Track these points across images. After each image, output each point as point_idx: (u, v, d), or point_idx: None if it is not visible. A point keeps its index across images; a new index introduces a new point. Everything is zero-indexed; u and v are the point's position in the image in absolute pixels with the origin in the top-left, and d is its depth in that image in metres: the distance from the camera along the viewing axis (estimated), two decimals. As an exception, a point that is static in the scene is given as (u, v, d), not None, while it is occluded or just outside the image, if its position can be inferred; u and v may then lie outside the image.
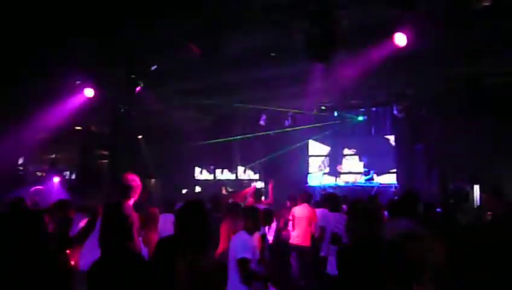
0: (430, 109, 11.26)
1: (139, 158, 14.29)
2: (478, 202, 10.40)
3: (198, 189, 16.27)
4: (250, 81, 9.58)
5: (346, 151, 14.78)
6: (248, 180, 16.09)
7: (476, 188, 10.68)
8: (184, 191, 14.99)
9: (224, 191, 14.37)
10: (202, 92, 10.59)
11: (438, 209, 7.22)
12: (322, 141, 15.12)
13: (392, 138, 13.91)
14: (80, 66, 8.48)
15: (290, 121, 13.03)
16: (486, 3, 5.65)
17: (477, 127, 10.25)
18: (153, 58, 8.34)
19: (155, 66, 8.46)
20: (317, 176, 15.10)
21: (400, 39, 6.58)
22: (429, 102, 11.09)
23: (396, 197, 9.99)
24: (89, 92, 9.26)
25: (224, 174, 16.61)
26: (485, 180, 10.23)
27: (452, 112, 10.54)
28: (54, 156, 14.10)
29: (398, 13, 6.04)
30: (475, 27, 6.48)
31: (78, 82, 9.23)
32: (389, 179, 13.63)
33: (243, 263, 4.35)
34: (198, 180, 16.92)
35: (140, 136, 15.09)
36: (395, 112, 10.97)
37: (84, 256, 4.75)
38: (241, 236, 4.63)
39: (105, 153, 14.98)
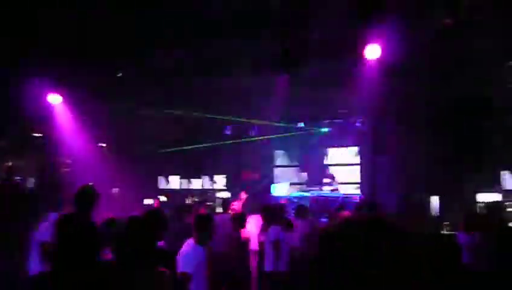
0: (392, 121, 11.55)
1: (103, 167, 13.97)
2: (438, 212, 10.73)
3: (163, 198, 16.04)
4: (217, 90, 9.59)
5: (309, 161, 14.94)
6: (213, 189, 16.03)
7: (436, 199, 11.02)
8: (148, 201, 14.75)
9: (190, 201, 14.21)
10: (170, 102, 10.52)
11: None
12: (288, 152, 15.25)
13: (355, 150, 14.16)
14: (45, 72, 8.27)
15: (256, 131, 13.09)
16: (449, 23, 5.90)
17: (437, 140, 10.58)
18: (120, 66, 8.24)
19: (120, 74, 8.35)
20: (283, 187, 15.16)
21: (371, 52, 6.72)
22: (391, 114, 11.37)
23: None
24: (53, 99, 9.03)
25: (191, 184, 16.51)
26: (444, 191, 10.58)
27: (413, 124, 10.85)
28: (10, 163, 13.59)
29: (366, 29, 6.22)
30: (438, 45, 6.74)
31: (41, 88, 8.99)
32: (353, 190, 13.84)
33: (182, 278, 4.02)
34: (164, 189, 16.70)
35: (103, 145, 14.77)
36: (358, 124, 11.21)
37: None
38: (187, 248, 4.30)
39: (67, 161, 14.56)
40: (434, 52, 7.13)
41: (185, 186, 16.56)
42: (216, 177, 16.19)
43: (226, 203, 8.30)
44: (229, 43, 7.05)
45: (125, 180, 14.36)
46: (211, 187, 16.25)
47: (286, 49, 6.11)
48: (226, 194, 14.94)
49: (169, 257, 4.10)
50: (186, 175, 16.52)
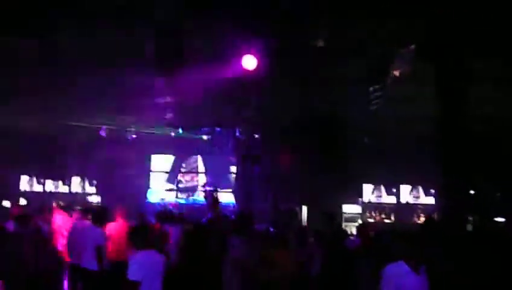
0: (266, 131, 11.96)
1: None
2: (306, 222, 11.32)
3: (23, 202, 14.54)
4: (90, 87, 8.97)
5: (187, 168, 14.85)
6: (83, 193, 15.00)
7: (305, 209, 11.63)
8: (5, 203, 13.28)
9: (54, 205, 13.11)
10: (36, 94, 9.55)
11: (271, 229, 7.58)
12: (165, 157, 14.95)
13: (233, 159, 14.39)
14: None
15: (132, 134, 12.59)
16: (321, 44, 6.27)
17: (306, 154, 11.21)
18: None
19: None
20: (158, 192, 14.80)
21: (248, 63, 6.79)
22: (266, 125, 11.77)
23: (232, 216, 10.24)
24: None
25: (55, 186, 15.16)
26: (312, 201, 11.22)
27: (284, 136, 11.36)
28: None
29: (248, 38, 6.31)
30: (309, 62, 7.12)
31: None
32: (228, 198, 14.01)
33: None
34: (24, 192, 15.11)
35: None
36: (237, 133, 11.41)
37: None
38: None
39: None
40: (304, 70, 7.52)
41: (49, 189, 15.19)
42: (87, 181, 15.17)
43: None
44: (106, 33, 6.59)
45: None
46: (79, 191, 15.16)
47: (164, 51, 5.92)
48: (96, 198, 14.13)
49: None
50: (51, 176, 15.14)
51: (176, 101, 9.64)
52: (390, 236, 5.36)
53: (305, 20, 5.85)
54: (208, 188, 14.20)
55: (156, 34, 6.08)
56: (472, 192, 9.55)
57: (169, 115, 10.80)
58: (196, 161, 14.87)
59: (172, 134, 13.40)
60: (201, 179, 14.75)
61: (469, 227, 8.28)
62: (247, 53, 6.56)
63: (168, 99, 9.17)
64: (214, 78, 7.48)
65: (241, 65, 6.69)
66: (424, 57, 6.53)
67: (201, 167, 14.82)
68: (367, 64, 6.98)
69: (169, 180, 15.03)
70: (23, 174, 15.20)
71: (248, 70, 6.67)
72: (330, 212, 7.60)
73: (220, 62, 6.97)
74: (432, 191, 12.93)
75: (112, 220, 7.48)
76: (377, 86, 7.40)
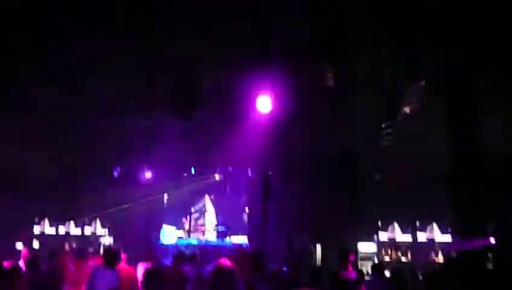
0: (278, 171, 11.96)
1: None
2: (319, 260, 11.13)
3: (36, 244, 14.54)
4: (107, 129, 9.14)
5: (199, 208, 14.79)
6: (95, 235, 14.93)
7: (319, 247, 11.45)
8: (18, 245, 13.27)
9: (67, 247, 13.07)
10: (52, 136, 9.75)
11: (285, 269, 7.46)
12: (179, 197, 14.92)
13: (245, 198, 14.33)
14: None
15: (146, 174, 12.66)
16: (331, 84, 6.40)
17: (319, 192, 11.14)
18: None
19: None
20: (171, 233, 14.70)
21: (263, 105, 6.90)
22: (278, 166, 11.79)
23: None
24: None
25: (68, 228, 15.14)
26: (326, 240, 11.06)
27: (297, 174, 11.34)
28: None
29: (261, 82, 6.46)
30: (321, 101, 7.23)
31: None
32: (241, 237, 13.87)
33: None
34: (37, 234, 15.09)
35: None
36: (249, 173, 11.43)
37: None
38: None
39: None
40: (316, 109, 7.61)
41: (62, 232, 15.14)
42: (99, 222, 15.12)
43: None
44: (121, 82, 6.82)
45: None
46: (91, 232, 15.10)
47: (179, 94, 6.06)
48: (108, 240, 14.06)
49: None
50: (64, 218, 15.12)
51: (189, 142, 9.75)
52: (409, 275, 5.25)
53: (316, 60, 6.00)
54: (220, 228, 14.11)
55: (173, 80, 6.26)
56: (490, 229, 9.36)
57: (182, 156, 10.89)
58: (209, 201, 14.82)
59: (185, 174, 13.45)
60: (214, 219, 14.66)
61: (489, 265, 8.08)
62: (261, 94, 6.67)
63: (182, 140, 9.27)
64: (227, 119, 7.60)
65: (256, 107, 6.80)
66: (435, 93, 6.60)
67: (213, 207, 14.76)
68: (378, 101, 7.06)
69: (181, 220, 14.95)
70: (36, 216, 15.24)
71: (262, 112, 6.77)
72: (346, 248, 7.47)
73: (234, 103, 7.10)
74: (449, 228, 12.69)
75: (125, 262, 7.43)
76: (388, 122, 7.45)
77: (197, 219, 14.85)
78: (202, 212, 14.84)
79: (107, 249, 9.96)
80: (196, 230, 14.67)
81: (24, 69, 6.55)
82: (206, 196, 14.79)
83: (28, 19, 5.53)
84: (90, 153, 10.91)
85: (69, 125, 8.77)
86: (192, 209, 14.92)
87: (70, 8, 5.28)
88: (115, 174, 12.70)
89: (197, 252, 10.63)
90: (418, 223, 13.18)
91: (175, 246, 13.84)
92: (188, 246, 13.73)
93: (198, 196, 14.78)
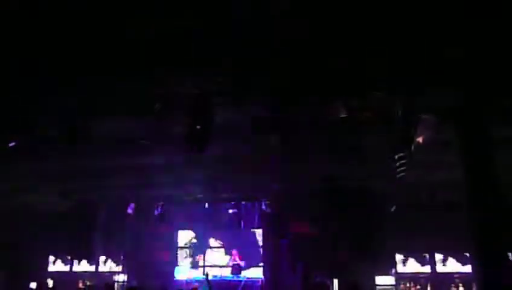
0: (295, 205, 11.90)
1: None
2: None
3: (50, 283, 14.45)
4: (119, 167, 9.23)
5: (213, 243, 14.64)
6: (109, 272, 14.82)
7: (336, 282, 11.24)
8: (32, 285, 13.22)
9: (81, 285, 12.98)
10: (63, 174, 9.85)
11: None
12: (192, 233, 14.83)
13: (259, 232, 14.17)
14: None
15: (159, 210, 12.65)
16: (343, 116, 6.42)
17: (335, 226, 11.05)
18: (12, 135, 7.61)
19: (13, 143, 7.71)
20: (185, 269, 14.54)
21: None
22: (294, 199, 11.74)
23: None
24: None
25: (82, 265, 15.04)
26: (343, 275, 10.86)
27: (314, 210, 11.27)
28: None
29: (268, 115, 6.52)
30: (334, 135, 7.24)
31: None
32: (256, 272, 13.65)
33: None
34: (51, 272, 15.03)
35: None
36: (263, 206, 11.36)
37: None
38: None
39: None
40: (329, 141, 7.62)
41: (75, 269, 15.05)
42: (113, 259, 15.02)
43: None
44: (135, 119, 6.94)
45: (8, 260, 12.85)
46: (105, 270, 14.98)
47: (199, 130, 6.14)
48: (122, 277, 13.93)
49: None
50: (77, 255, 15.03)
51: (202, 176, 9.78)
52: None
53: (326, 95, 6.06)
54: (235, 263, 13.92)
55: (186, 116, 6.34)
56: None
57: (196, 190, 10.91)
58: (223, 236, 14.68)
59: (200, 208, 13.45)
60: (227, 254, 14.48)
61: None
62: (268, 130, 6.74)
63: (195, 175, 9.30)
64: (240, 152, 7.64)
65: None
66: (449, 123, 6.58)
67: (227, 242, 14.59)
68: (390, 133, 7.05)
69: (195, 256, 14.79)
70: (50, 254, 15.21)
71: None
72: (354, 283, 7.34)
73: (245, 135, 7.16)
74: (468, 259, 12.40)
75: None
76: (401, 154, 7.41)
77: (210, 255, 14.68)
78: (216, 247, 14.68)
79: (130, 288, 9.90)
80: (210, 265, 14.48)
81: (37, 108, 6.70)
82: (223, 231, 14.65)
83: (39, 60, 5.63)
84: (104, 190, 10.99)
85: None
86: (207, 245, 14.77)
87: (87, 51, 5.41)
88: (130, 211, 12.72)
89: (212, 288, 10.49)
90: (436, 255, 12.92)
91: (189, 282, 13.66)
92: (203, 282, 13.54)
93: (213, 230, 14.64)
